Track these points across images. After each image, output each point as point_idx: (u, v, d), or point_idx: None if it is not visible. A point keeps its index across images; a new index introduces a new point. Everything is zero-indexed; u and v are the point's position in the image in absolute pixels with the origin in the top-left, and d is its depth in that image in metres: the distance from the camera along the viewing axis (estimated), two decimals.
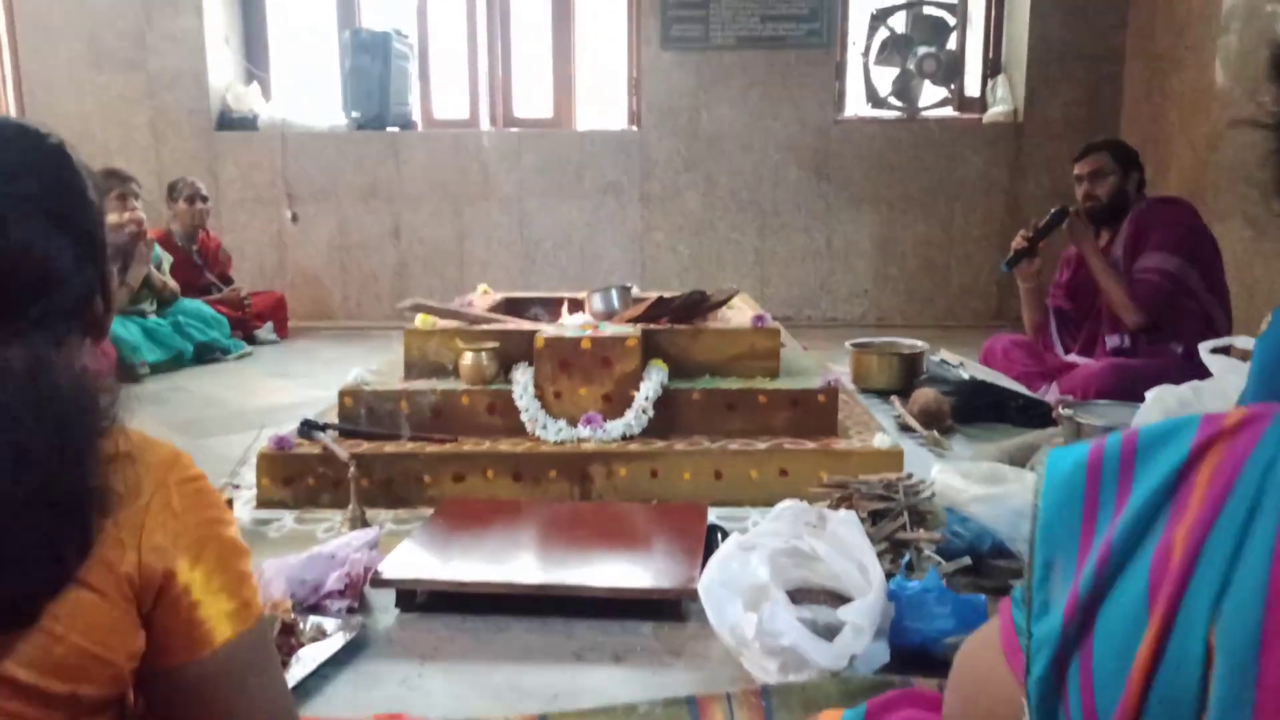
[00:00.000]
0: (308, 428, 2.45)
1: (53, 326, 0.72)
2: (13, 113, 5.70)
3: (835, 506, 1.82)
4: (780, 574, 1.53)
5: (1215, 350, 2.25)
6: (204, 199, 4.92)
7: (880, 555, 1.65)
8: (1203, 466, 0.54)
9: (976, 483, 1.96)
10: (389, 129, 5.50)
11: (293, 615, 1.59)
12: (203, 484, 0.78)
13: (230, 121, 5.57)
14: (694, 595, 1.61)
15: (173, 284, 4.49)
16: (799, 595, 1.54)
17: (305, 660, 1.52)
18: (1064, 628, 0.57)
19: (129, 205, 4.36)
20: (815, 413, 2.51)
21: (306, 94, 5.80)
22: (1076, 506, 0.60)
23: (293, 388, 3.84)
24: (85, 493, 0.67)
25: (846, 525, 1.57)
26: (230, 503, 2.22)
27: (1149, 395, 2.19)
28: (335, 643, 1.57)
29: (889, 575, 1.57)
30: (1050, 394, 3.17)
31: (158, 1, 5.39)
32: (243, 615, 0.77)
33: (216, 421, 3.27)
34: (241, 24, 5.81)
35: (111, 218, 4.24)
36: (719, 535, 1.97)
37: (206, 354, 4.40)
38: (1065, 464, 0.62)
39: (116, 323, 4.02)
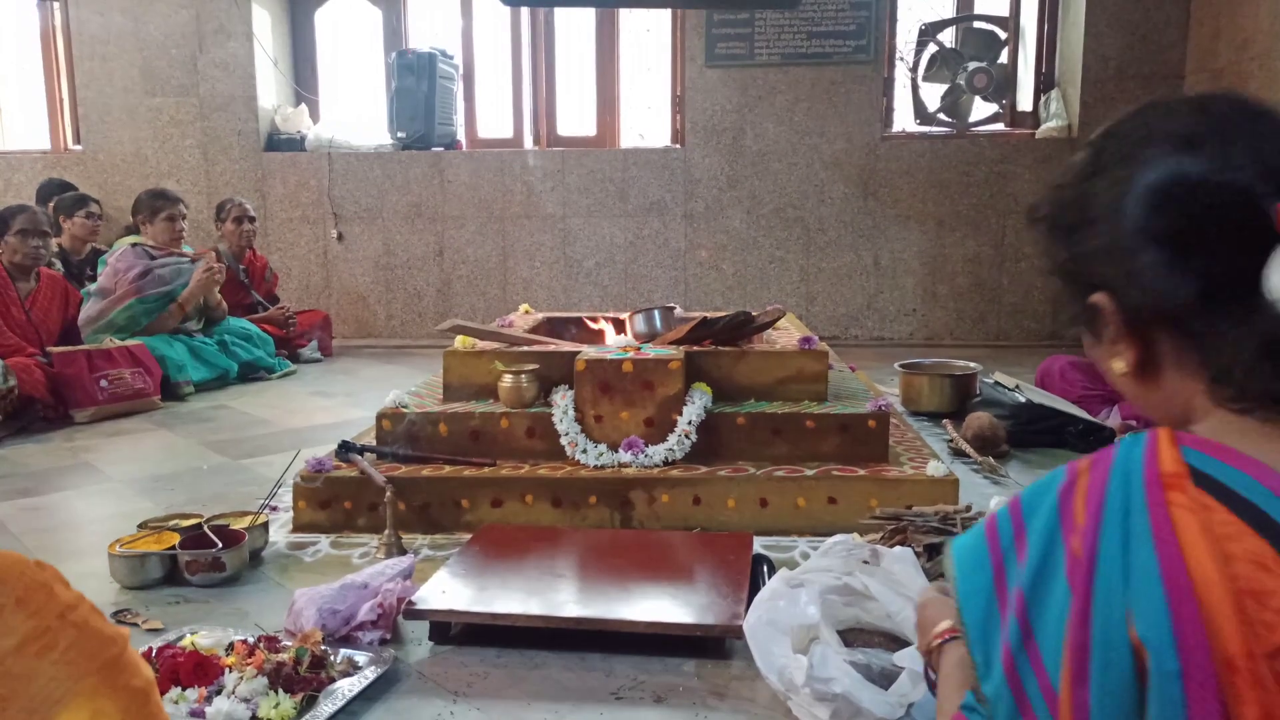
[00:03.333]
0: (345, 450, 2.42)
1: None
2: (69, 137, 5.85)
3: (889, 540, 1.73)
4: (831, 613, 1.44)
5: None
6: (251, 219, 4.97)
7: None
8: (1077, 491, 0.67)
9: None
10: (434, 149, 5.52)
11: (323, 648, 1.54)
12: (60, 630, 0.61)
13: (278, 142, 5.64)
14: (739, 633, 1.53)
15: (223, 303, 4.53)
16: (851, 636, 1.45)
17: (335, 695, 1.46)
18: (1005, 672, 0.68)
19: (177, 228, 4.42)
20: (865, 438, 2.41)
21: (353, 115, 5.86)
22: (987, 575, 0.72)
23: (334, 407, 3.83)
24: None
25: (901, 562, 1.48)
26: (266, 526, 2.20)
27: None
28: (366, 677, 1.52)
29: None
30: (1113, 418, 3.03)
31: (210, 29, 5.49)
32: None
33: (256, 441, 3.27)
34: (290, 47, 5.89)
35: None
36: (765, 566, 1.89)
37: (251, 372, 4.42)
38: (967, 544, 0.75)
39: (163, 341, 4.06)
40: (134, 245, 4.26)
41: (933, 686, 0.95)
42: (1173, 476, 0.64)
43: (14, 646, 0.60)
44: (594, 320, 3.19)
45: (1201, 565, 0.60)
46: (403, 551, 2.13)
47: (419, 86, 5.34)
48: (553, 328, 3.20)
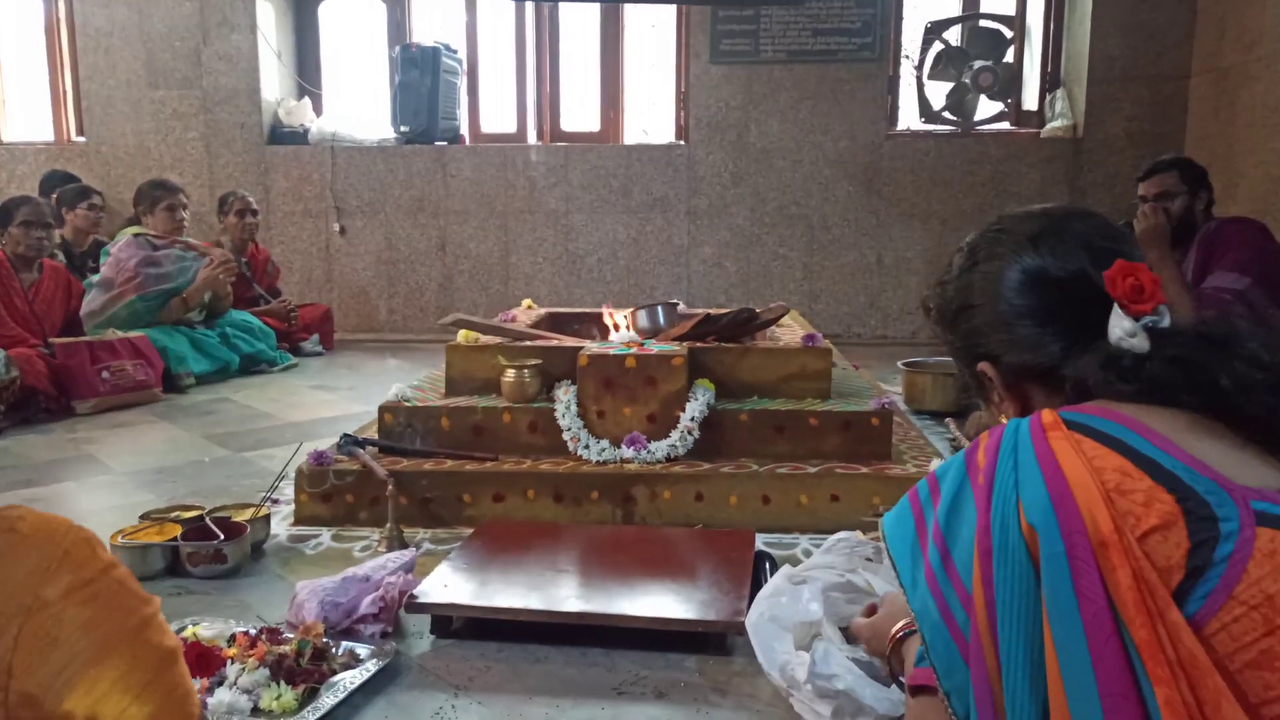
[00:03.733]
0: (348, 443, 2.42)
1: None
2: (72, 129, 5.85)
3: None
4: (833, 610, 1.43)
5: None
6: (254, 213, 4.96)
7: None
8: (979, 449, 0.83)
9: None
10: (437, 143, 5.52)
11: (325, 640, 1.54)
12: (102, 583, 0.66)
13: (281, 135, 5.64)
14: (741, 629, 1.53)
15: (229, 295, 4.52)
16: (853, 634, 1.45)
17: (336, 687, 1.46)
18: (928, 585, 0.83)
19: (177, 217, 4.42)
20: (868, 436, 2.41)
21: (356, 109, 5.85)
22: (910, 524, 0.88)
23: (335, 401, 3.83)
24: None
25: None
26: (268, 519, 2.20)
27: None
28: (368, 669, 1.52)
29: None
30: None
31: (214, 22, 5.49)
32: None
33: (258, 434, 3.26)
34: (294, 40, 5.89)
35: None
36: (767, 563, 1.89)
37: (252, 365, 4.42)
38: (894, 511, 0.91)
39: (164, 333, 4.06)
40: (136, 235, 4.26)
41: (898, 682, 1.09)
42: (1051, 424, 0.81)
43: (62, 593, 0.65)
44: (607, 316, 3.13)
45: (1075, 469, 0.76)
46: (404, 545, 2.13)
47: (422, 81, 5.34)
48: (555, 323, 3.19)
